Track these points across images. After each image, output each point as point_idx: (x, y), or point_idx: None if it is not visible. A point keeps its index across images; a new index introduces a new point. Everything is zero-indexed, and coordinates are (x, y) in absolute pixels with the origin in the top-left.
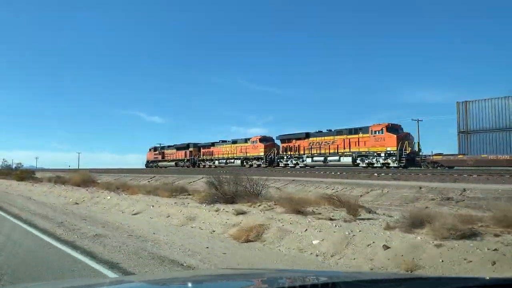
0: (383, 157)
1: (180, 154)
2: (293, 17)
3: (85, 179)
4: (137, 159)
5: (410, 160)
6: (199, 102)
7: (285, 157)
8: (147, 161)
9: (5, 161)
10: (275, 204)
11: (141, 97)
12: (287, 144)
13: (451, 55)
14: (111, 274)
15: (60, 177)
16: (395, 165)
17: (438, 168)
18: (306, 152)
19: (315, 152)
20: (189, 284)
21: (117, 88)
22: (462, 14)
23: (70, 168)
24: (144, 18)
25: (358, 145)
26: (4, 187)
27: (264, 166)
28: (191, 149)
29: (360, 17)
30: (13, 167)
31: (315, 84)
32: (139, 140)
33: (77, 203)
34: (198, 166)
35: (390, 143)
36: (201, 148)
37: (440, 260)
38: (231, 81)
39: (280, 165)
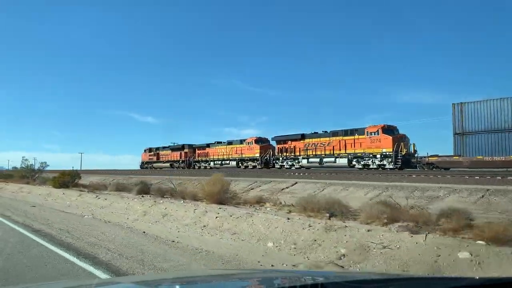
0: (378, 159)
1: (175, 155)
2: (288, 18)
3: (223, 189)
4: (131, 160)
5: (405, 161)
6: (192, 102)
7: (280, 158)
8: (142, 162)
9: (25, 159)
10: None
11: (133, 97)
12: (282, 145)
13: (446, 55)
14: None
15: (145, 184)
16: (391, 166)
17: (434, 169)
18: (301, 153)
19: (310, 153)
20: (183, 285)
21: (109, 88)
22: (456, 15)
23: (73, 169)
24: (139, 18)
25: (354, 146)
26: (41, 199)
27: (260, 167)
28: (186, 150)
29: (354, 18)
30: (36, 167)
31: (309, 86)
32: (133, 141)
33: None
34: (194, 168)
35: (385, 145)
36: (196, 149)
37: None
38: (224, 82)
39: (275, 166)
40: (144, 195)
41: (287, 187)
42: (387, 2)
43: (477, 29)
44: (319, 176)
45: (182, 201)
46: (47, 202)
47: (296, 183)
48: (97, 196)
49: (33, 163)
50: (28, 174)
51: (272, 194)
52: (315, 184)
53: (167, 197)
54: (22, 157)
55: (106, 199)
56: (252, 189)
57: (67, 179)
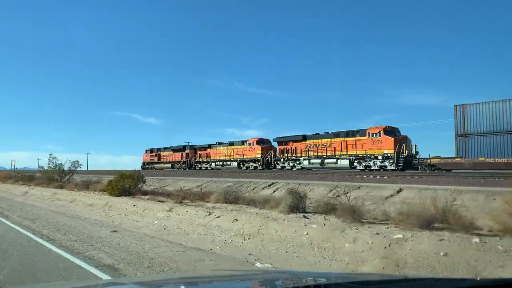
0: (380, 160)
1: (177, 156)
2: (288, 21)
3: None
4: (132, 161)
5: (407, 163)
6: (194, 104)
7: (282, 160)
8: (143, 163)
9: (54, 158)
10: None
11: (136, 98)
12: (284, 147)
13: (446, 58)
14: None
15: (298, 195)
16: (392, 168)
17: (435, 171)
18: (303, 154)
19: (312, 154)
20: (186, 286)
21: (112, 89)
22: (456, 15)
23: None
24: (140, 19)
25: (356, 147)
26: (101, 214)
27: (261, 168)
28: (187, 151)
29: (356, 21)
30: (66, 168)
31: (310, 87)
32: (135, 141)
33: None
34: (195, 168)
35: (387, 146)
36: (198, 150)
37: None
38: (225, 83)
39: (277, 168)
40: (305, 214)
41: (391, 195)
42: (389, 3)
43: (478, 30)
44: (415, 180)
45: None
46: (117, 219)
47: (401, 190)
48: (209, 213)
49: (63, 163)
50: (58, 176)
51: (377, 204)
52: (425, 190)
53: (343, 218)
54: (50, 154)
55: (236, 220)
56: (338, 195)
57: (129, 184)
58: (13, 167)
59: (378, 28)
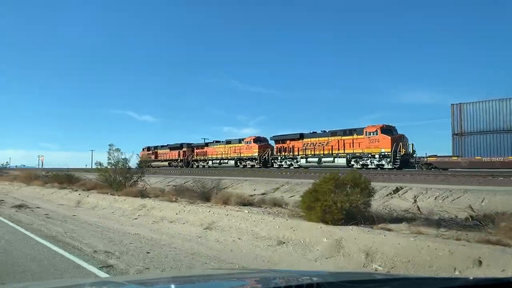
0: (377, 159)
1: (174, 154)
2: (285, 17)
3: None
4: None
5: (404, 161)
6: (191, 102)
7: (279, 158)
8: (140, 161)
9: (116, 149)
10: None
11: (131, 96)
12: (281, 145)
13: (443, 56)
14: None
15: None
16: (389, 166)
17: (432, 169)
18: (300, 153)
19: (309, 153)
20: (180, 285)
21: (108, 87)
22: (454, 15)
23: (87, 167)
24: (135, 16)
25: (353, 146)
26: None
27: (258, 166)
28: (184, 149)
29: (351, 18)
30: (127, 166)
31: (307, 85)
32: (131, 139)
33: None
34: (192, 167)
35: (384, 145)
36: (195, 148)
37: None
38: (222, 81)
39: (274, 166)
40: None
41: None
42: (388, 2)
43: (476, 29)
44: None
45: None
46: None
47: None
48: None
49: (127, 157)
50: (122, 178)
51: None
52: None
53: None
54: (109, 145)
55: None
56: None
57: (355, 198)
58: (41, 165)
59: (377, 27)
